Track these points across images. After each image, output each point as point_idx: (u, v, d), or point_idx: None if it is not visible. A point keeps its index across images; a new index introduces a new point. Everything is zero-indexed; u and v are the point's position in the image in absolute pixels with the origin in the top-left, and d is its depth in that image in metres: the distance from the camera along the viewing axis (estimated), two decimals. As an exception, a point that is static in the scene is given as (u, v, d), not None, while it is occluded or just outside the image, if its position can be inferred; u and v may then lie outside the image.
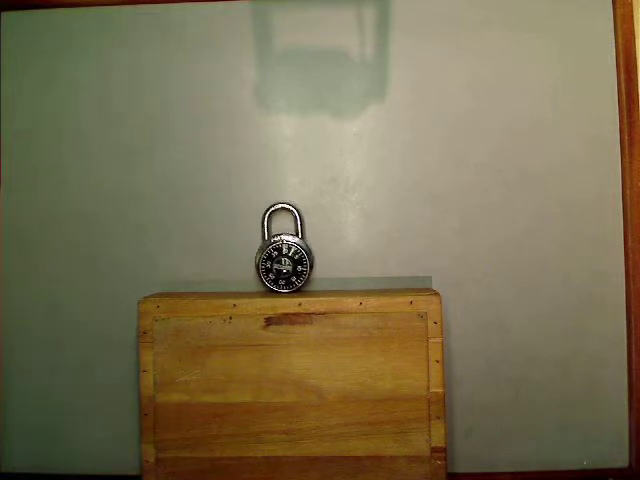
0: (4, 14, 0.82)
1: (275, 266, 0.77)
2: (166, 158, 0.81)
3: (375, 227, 0.80)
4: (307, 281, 0.78)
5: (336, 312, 0.74)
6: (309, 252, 0.78)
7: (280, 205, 0.79)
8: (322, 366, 0.74)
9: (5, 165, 0.82)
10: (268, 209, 0.79)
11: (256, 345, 0.74)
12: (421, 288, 0.79)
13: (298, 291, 0.78)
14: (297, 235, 0.79)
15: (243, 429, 0.74)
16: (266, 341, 0.74)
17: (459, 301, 0.79)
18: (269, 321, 0.74)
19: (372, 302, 0.74)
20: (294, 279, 0.77)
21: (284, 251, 0.77)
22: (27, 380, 0.81)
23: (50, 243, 0.81)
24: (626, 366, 0.78)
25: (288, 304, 0.74)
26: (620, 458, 0.79)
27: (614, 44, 0.79)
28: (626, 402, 0.78)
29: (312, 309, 0.74)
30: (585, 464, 0.79)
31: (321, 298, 0.74)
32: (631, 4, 0.79)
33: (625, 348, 0.78)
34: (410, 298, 0.74)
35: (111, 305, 0.81)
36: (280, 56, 0.81)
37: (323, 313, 0.74)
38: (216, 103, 0.81)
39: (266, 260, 0.77)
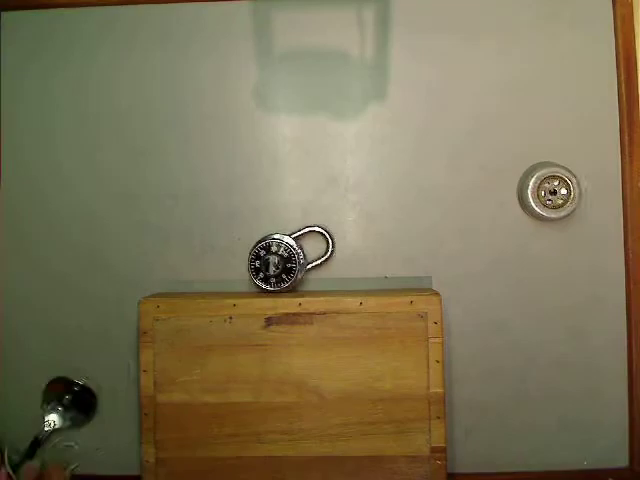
0: (4, 14, 0.82)
1: (268, 257, 0.77)
2: (168, 158, 0.81)
3: (375, 227, 0.80)
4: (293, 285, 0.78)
5: (336, 312, 0.74)
6: (304, 263, 0.78)
7: (309, 229, 0.79)
8: (322, 366, 0.74)
9: (5, 165, 0.82)
10: (296, 232, 0.79)
11: (256, 345, 0.74)
12: (421, 288, 0.79)
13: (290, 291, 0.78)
14: (325, 256, 0.79)
15: (243, 429, 0.74)
16: (266, 341, 0.74)
17: (459, 301, 0.79)
18: (269, 321, 0.74)
19: (372, 302, 0.74)
20: (273, 280, 0.77)
21: (274, 249, 0.77)
22: (27, 380, 0.81)
23: (50, 242, 0.81)
24: (626, 366, 0.78)
25: (288, 304, 0.74)
26: (620, 458, 0.79)
27: (614, 44, 0.79)
28: (626, 402, 0.78)
29: (312, 309, 0.74)
30: (585, 464, 0.79)
31: (321, 298, 0.75)
32: (631, 4, 0.79)
33: (625, 348, 0.79)
34: (410, 298, 0.74)
35: (111, 305, 0.81)
36: (280, 56, 0.81)
37: (323, 313, 0.74)
38: (217, 103, 0.81)
39: (259, 250, 0.78)
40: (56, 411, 0.78)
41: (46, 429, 0.78)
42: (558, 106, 0.79)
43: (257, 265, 0.77)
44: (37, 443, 0.78)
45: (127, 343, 0.80)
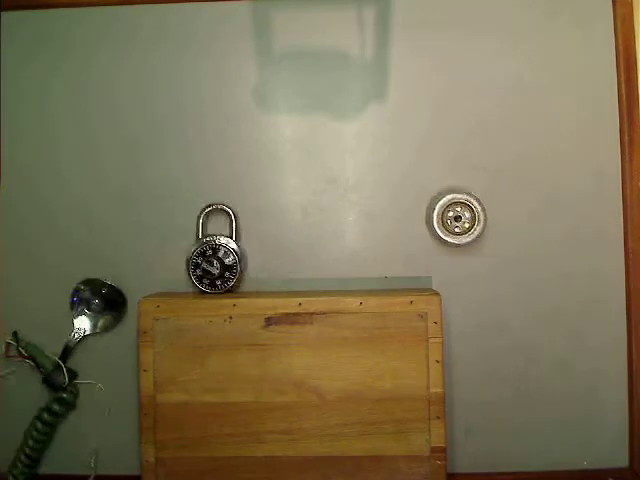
0: (4, 14, 0.82)
1: (204, 265, 0.77)
2: (168, 158, 0.81)
3: (375, 227, 0.80)
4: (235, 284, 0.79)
5: (336, 312, 0.74)
6: (241, 259, 0.78)
7: (216, 206, 0.79)
8: (322, 366, 0.74)
9: (5, 165, 0.82)
10: (204, 209, 0.79)
11: (256, 345, 0.74)
12: (421, 288, 0.79)
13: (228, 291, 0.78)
14: (231, 238, 0.79)
15: (243, 429, 0.74)
16: (266, 341, 0.74)
17: (459, 301, 0.79)
18: (269, 321, 0.74)
19: (372, 302, 0.74)
20: (219, 282, 0.78)
21: (219, 253, 0.78)
22: (27, 381, 0.80)
23: (49, 242, 0.81)
24: (626, 366, 0.78)
25: (288, 304, 0.74)
26: (620, 458, 0.79)
27: (614, 44, 0.79)
28: (626, 402, 0.78)
29: (312, 309, 0.74)
30: (585, 464, 0.79)
31: (321, 298, 0.75)
32: (631, 4, 0.79)
33: (625, 348, 0.79)
34: (410, 298, 0.74)
35: (111, 305, 0.81)
36: (280, 56, 0.81)
37: (323, 313, 0.74)
38: (216, 103, 0.81)
39: (198, 256, 0.78)
40: (85, 314, 0.79)
41: (76, 336, 0.78)
42: (558, 106, 0.79)
43: (199, 274, 0.78)
44: (68, 350, 0.79)
45: (127, 343, 0.80)
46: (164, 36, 0.81)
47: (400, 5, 0.80)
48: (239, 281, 0.79)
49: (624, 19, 0.78)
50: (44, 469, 0.80)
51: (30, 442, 0.76)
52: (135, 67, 0.81)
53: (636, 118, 0.78)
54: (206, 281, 0.77)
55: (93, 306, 0.79)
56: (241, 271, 0.78)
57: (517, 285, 0.79)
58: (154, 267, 0.81)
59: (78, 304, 0.79)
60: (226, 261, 0.77)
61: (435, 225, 0.76)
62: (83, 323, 0.79)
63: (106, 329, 0.80)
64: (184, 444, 0.74)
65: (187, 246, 0.80)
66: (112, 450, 0.80)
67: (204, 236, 0.79)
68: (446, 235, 0.76)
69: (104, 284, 0.80)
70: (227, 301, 0.75)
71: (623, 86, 0.78)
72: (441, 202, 0.75)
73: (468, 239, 0.76)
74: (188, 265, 0.78)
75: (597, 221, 0.79)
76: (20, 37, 0.82)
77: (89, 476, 0.79)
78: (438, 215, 0.76)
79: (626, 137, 0.78)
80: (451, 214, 0.76)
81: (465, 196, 0.76)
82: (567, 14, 0.79)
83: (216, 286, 0.78)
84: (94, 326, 0.79)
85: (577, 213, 0.79)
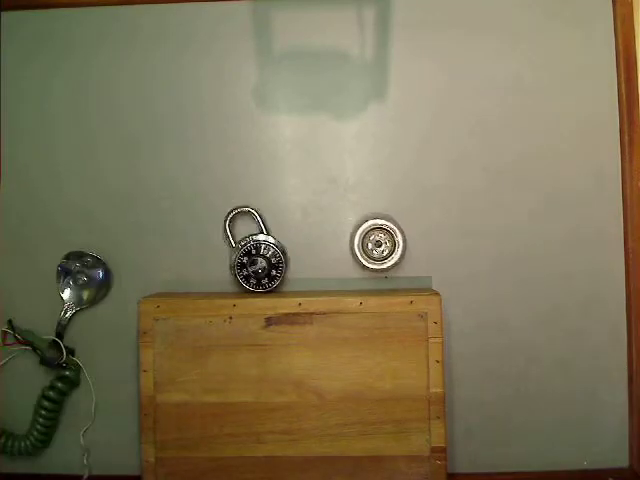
0: (4, 14, 0.82)
1: (250, 268, 0.77)
2: (167, 158, 0.81)
3: (375, 227, 0.80)
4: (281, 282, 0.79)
5: (336, 312, 0.74)
6: (284, 253, 0.79)
7: (240, 209, 0.79)
8: (322, 366, 0.74)
9: (4, 165, 0.82)
10: (230, 212, 0.79)
11: (256, 345, 0.74)
12: (421, 288, 0.79)
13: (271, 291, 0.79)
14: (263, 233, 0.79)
15: (243, 429, 0.74)
16: (266, 341, 0.74)
17: (459, 301, 0.79)
18: (269, 321, 0.74)
19: (372, 302, 0.74)
20: (265, 281, 0.78)
21: (262, 251, 0.78)
22: (27, 381, 0.80)
23: (49, 243, 0.81)
24: (626, 366, 0.78)
25: (288, 304, 0.74)
26: (620, 458, 0.79)
27: (614, 44, 0.79)
28: (626, 402, 0.78)
29: (312, 309, 0.74)
30: (585, 464, 0.79)
31: (321, 298, 0.75)
32: (631, 4, 0.79)
33: (625, 348, 0.79)
34: (410, 298, 0.74)
35: (111, 305, 0.81)
36: (280, 56, 0.81)
37: (323, 313, 0.74)
38: (216, 103, 0.81)
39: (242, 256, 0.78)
40: (70, 287, 0.79)
41: (67, 314, 0.78)
42: (558, 106, 0.79)
43: (244, 261, 0.78)
44: (60, 327, 0.79)
45: (127, 343, 0.80)
46: (164, 36, 0.81)
47: (400, 5, 0.80)
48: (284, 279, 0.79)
49: (624, 19, 0.78)
50: (41, 469, 0.80)
51: (40, 420, 0.77)
52: (135, 67, 0.81)
53: (636, 118, 0.78)
54: (253, 281, 0.78)
55: (80, 281, 0.79)
56: (286, 266, 0.79)
57: (517, 285, 0.79)
58: (154, 267, 0.81)
59: (63, 277, 0.80)
60: (269, 255, 0.78)
61: (359, 255, 0.77)
62: (70, 296, 0.79)
63: (93, 302, 0.80)
64: (184, 444, 0.74)
65: (187, 246, 0.80)
66: (112, 450, 0.80)
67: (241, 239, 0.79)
68: (370, 262, 0.77)
69: (87, 255, 0.80)
70: (227, 301, 0.75)
71: (623, 86, 0.79)
72: (359, 232, 0.77)
73: (393, 260, 0.77)
74: (234, 265, 0.78)
75: (597, 221, 0.79)
76: (20, 37, 0.82)
77: (89, 476, 0.79)
78: (359, 246, 0.77)
79: (626, 137, 0.78)
80: (370, 246, 0.77)
81: (379, 221, 0.77)
82: (567, 14, 0.79)
83: (261, 285, 0.78)
84: (79, 299, 0.79)
85: (577, 213, 0.79)
